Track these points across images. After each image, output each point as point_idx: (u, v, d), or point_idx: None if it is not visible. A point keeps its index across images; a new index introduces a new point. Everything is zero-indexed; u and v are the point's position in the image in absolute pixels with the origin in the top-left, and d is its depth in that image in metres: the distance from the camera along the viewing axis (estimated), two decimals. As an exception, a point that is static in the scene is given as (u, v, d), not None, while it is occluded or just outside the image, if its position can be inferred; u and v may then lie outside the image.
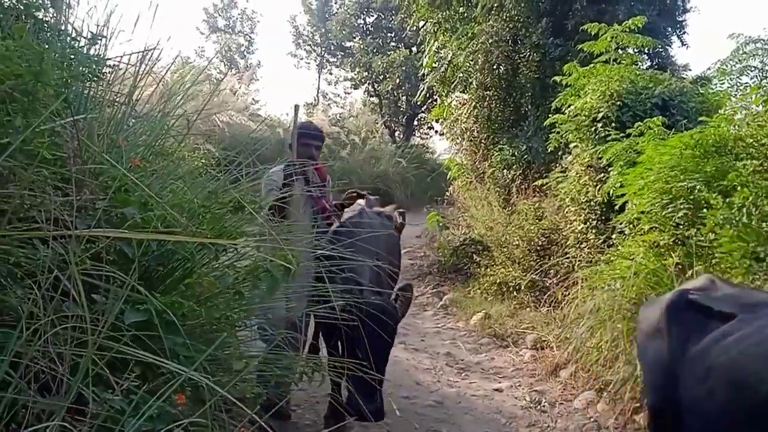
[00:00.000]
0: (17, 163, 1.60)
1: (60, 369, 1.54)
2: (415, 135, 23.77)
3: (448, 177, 12.24)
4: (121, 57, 2.93)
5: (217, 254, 2.29)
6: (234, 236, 2.20)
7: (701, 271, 3.92)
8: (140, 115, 3.47)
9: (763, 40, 4.74)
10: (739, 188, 3.52)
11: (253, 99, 19.07)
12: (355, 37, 24.66)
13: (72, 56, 2.38)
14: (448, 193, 12.84)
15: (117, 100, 2.96)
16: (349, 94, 26.68)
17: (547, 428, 4.61)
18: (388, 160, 18.44)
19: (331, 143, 17.54)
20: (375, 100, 23.41)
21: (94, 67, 2.44)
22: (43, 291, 1.62)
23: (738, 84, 5.01)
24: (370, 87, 23.51)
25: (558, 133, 7.13)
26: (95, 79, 2.51)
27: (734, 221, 3.31)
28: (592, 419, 4.64)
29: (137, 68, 3.04)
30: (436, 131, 21.35)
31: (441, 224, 10.68)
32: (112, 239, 1.77)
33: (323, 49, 26.84)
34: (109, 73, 2.92)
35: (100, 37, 2.57)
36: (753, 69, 4.76)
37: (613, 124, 6.09)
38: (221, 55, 28.72)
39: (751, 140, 3.55)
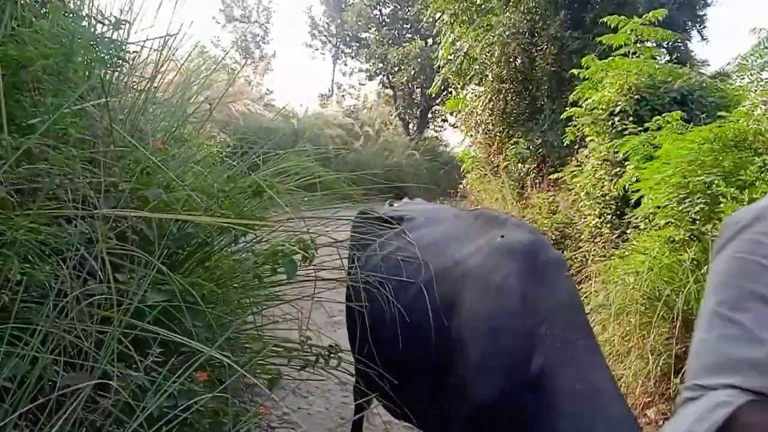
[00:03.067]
0: (47, 143, 1.63)
1: (85, 345, 1.57)
2: (428, 127, 23.75)
3: (461, 170, 12.22)
4: (144, 42, 2.96)
5: (236, 238, 2.31)
6: (252, 222, 2.22)
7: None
8: (160, 102, 3.51)
9: (785, 35, 4.68)
10: (756, 183, 3.50)
11: (267, 89, 19.15)
12: (370, 28, 24.63)
13: (96, 40, 2.41)
14: (461, 186, 12.83)
15: (139, 85, 3.00)
16: (363, 85, 26.68)
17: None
18: (401, 152, 18.47)
19: (344, 134, 17.58)
20: (389, 91, 23.41)
21: (117, 51, 2.47)
22: (70, 269, 1.66)
23: (759, 79, 4.96)
24: (384, 79, 23.50)
25: (574, 126, 7.09)
26: (119, 63, 2.54)
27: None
28: (602, 412, 4.64)
29: (159, 55, 3.08)
30: (451, 124, 21.32)
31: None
32: (136, 219, 1.80)
33: (338, 39, 26.85)
34: (131, 58, 2.95)
35: (123, 22, 2.60)
36: (774, 64, 4.71)
37: (631, 118, 6.05)
38: (237, 45, 28.81)
39: (771, 135, 3.53)
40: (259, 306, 3.02)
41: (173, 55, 3.34)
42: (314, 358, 2.24)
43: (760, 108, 4.09)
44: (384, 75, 23.42)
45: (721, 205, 3.63)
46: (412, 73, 21.32)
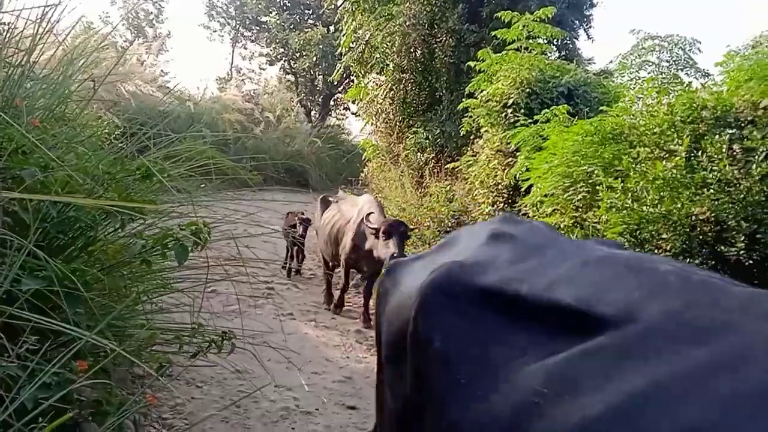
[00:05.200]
0: None
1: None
2: (331, 115, 23.64)
3: (363, 158, 12.29)
4: (18, 12, 2.75)
5: (123, 222, 2.21)
6: (141, 204, 2.13)
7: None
8: (39, 78, 3.27)
9: (660, 37, 5.08)
10: (630, 174, 3.79)
11: (162, 70, 18.27)
12: (271, 12, 24.08)
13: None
14: (362, 174, 12.91)
15: (14, 59, 2.78)
16: (264, 70, 26.06)
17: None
18: (303, 139, 18.28)
19: (244, 120, 17.15)
20: (291, 77, 23.06)
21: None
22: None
23: (637, 77, 5.35)
24: (285, 64, 23.11)
25: (470, 117, 7.33)
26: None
27: (620, 205, 3.57)
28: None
29: (36, 27, 2.87)
30: (353, 112, 21.33)
31: (354, 205, 10.74)
32: (9, 201, 1.67)
33: (238, 22, 26.02)
34: (4, 29, 2.73)
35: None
36: (650, 63, 5.10)
37: (522, 111, 6.34)
38: (128, 22, 27.23)
39: (644, 129, 3.81)
40: (150, 294, 2.91)
41: (54, 28, 3.12)
42: (207, 345, 2.18)
43: (636, 104, 4.42)
44: (285, 60, 23.02)
45: (600, 193, 3.90)
46: (314, 59, 21.10)
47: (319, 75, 22.22)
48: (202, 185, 3.84)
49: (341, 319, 6.83)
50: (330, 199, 7.71)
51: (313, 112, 22.82)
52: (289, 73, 23.10)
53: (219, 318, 4.53)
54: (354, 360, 5.56)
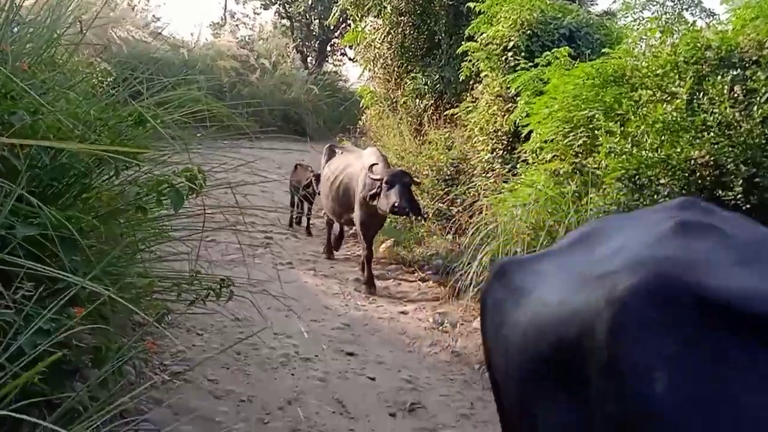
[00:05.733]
0: None
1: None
2: (328, 61, 23.20)
3: (361, 106, 12.12)
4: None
5: (117, 170, 2.18)
6: (135, 150, 2.09)
7: (595, 198, 4.17)
8: (25, 22, 3.18)
9: (665, -23, 4.93)
10: (631, 118, 3.73)
11: (154, 16, 17.80)
12: (265, -47, 23.32)
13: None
14: (360, 122, 12.76)
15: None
16: (258, 14, 25.35)
17: (447, 347, 4.87)
18: (299, 86, 17.99)
19: (239, 67, 16.85)
20: (286, 22, 22.51)
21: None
22: None
23: (640, 18, 5.21)
24: (280, 8, 22.51)
25: (470, 61, 7.18)
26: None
27: (619, 150, 3.53)
28: (490, 336, 4.94)
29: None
30: (350, 58, 20.91)
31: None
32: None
33: (231, -36, 25.23)
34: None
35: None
36: (655, 3, 4.96)
37: (523, 54, 6.20)
38: (117, -35, 26.38)
39: (646, 71, 3.74)
40: (148, 242, 2.91)
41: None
42: (205, 293, 2.19)
43: (639, 45, 4.32)
44: (280, 4, 22.40)
45: (600, 138, 3.85)
46: (310, 2, 20.57)
47: (315, 19, 21.70)
48: (198, 133, 3.80)
49: (340, 267, 6.88)
50: (336, 149, 7.56)
51: (309, 59, 22.39)
52: (284, 18, 22.54)
53: (218, 267, 4.56)
54: (353, 308, 5.63)
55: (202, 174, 2.14)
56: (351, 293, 6.06)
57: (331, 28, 19.08)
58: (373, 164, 6.26)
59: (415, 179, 6.51)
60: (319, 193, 7.46)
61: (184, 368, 3.85)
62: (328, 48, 22.96)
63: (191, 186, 2.07)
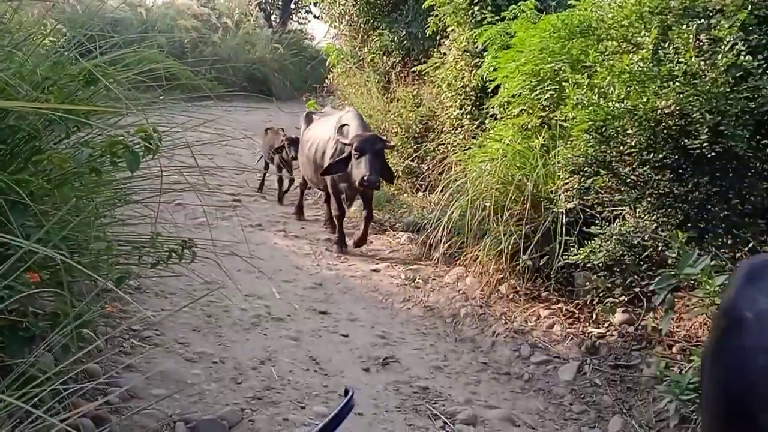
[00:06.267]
0: None
1: None
2: (292, 20, 22.66)
3: (327, 64, 11.90)
4: None
5: (68, 131, 2.09)
6: (86, 108, 2.01)
7: (563, 150, 4.19)
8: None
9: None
10: (597, 69, 3.72)
11: (109, -27, 17.08)
12: None
13: None
14: (327, 81, 12.55)
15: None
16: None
17: (419, 302, 4.92)
18: (264, 45, 17.58)
19: (200, 26, 16.37)
20: (248, -21, 21.82)
21: None
22: None
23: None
24: (242, -35, 21.78)
25: (436, 16, 7.07)
26: None
27: (586, 102, 3.52)
28: (461, 291, 5.00)
29: None
30: (315, 16, 20.44)
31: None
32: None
33: None
34: None
35: None
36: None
37: (489, 8, 6.13)
38: None
39: (612, 21, 3.71)
40: (108, 206, 2.83)
41: None
42: (167, 255, 2.14)
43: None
44: (241, -39, 21.73)
45: (567, 91, 3.84)
46: (272, -41, 19.98)
47: (277, -25, 21.11)
48: (160, 95, 3.69)
49: (311, 228, 6.85)
50: (314, 116, 7.15)
51: (273, 17, 21.84)
52: (246, -25, 21.84)
53: (184, 230, 4.49)
54: (324, 267, 5.62)
55: (158, 134, 2.06)
56: (322, 253, 6.05)
57: (295, -16, 18.58)
58: (343, 125, 5.81)
59: (389, 143, 5.98)
60: (293, 158, 7.16)
61: (154, 332, 3.82)
62: (292, 5, 22.40)
63: (147, 146, 1.99)
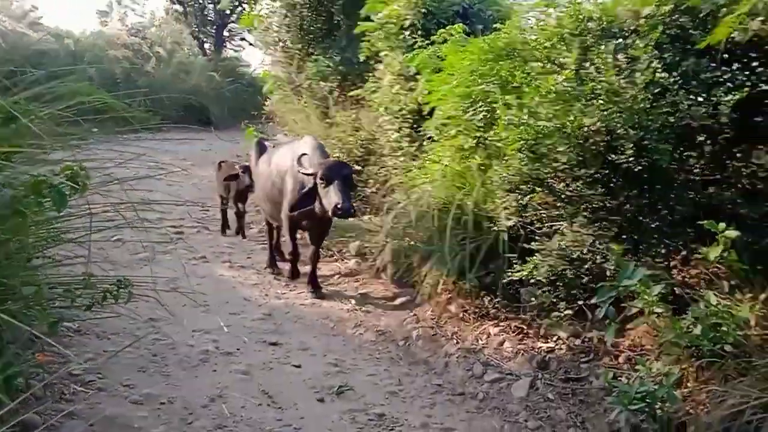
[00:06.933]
0: None
1: None
2: (227, 47, 22.53)
3: (264, 91, 11.87)
4: None
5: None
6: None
7: (499, 168, 4.31)
8: None
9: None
10: (525, 90, 3.87)
11: (33, 5, 16.59)
12: (150, -64, 22.21)
13: None
14: (266, 108, 12.50)
15: None
16: (147, 0, 24.30)
17: (371, 327, 4.92)
18: (199, 74, 17.41)
19: (132, 56, 16.07)
20: (179, 7, 21.61)
21: None
22: None
23: (530, -7, 5.39)
24: (171, -8, 21.58)
25: (368, 41, 7.18)
26: None
27: (517, 122, 3.65)
28: (411, 314, 5.03)
29: None
30: (250, 43, 20.41)
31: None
32: None
33: (113, -52, 23.83)
34: None
35: None
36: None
37: (420, 32, 6.29)
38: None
39: (535, 44, 3.88)
40: (40, 247, 2.74)
41: None
42: (101, 296, 2.08)
43: (528, 19, 4.45)
44: (171, -11, 21.50)
45: (498, 111, 3.97)
46: (202, -13, 19.87)
47: (209, 3, 20.99)
48: (93, 129, 3.60)
49: (257, 257, 6.76)
50: (266, 143, 6.68)
51: (207, 45, 21.66)
52: (176, 3, 21.63)
53: (124, 268, 4.39)
54: (273, 297, 5.56)
55: (85, 171, 2.01)
56: (270, 282, 5.98)
57: (227, 12, 18.51)
58: (302, 155, 5.28)
59: (354, 168, 5.55)
60: (248, 187, 6.77)
61: (96, 376, 3.68)
62: (226, 33, 22.28)
63: (72, 185, 1.93)
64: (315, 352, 4.41)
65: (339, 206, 4.84)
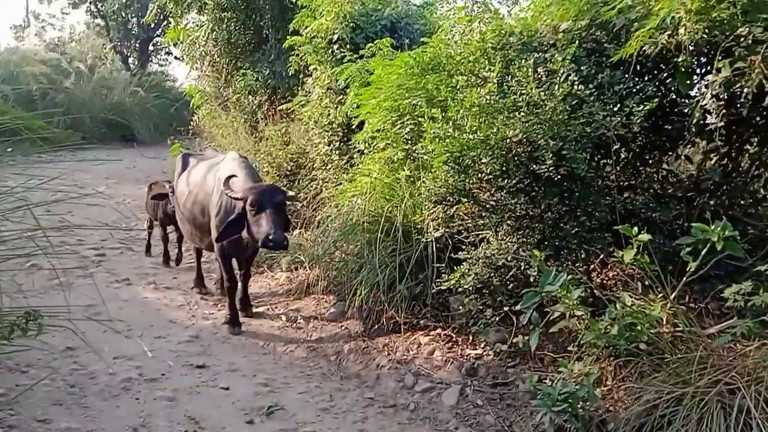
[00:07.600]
0: None
1: None
2: (152, 61, 22.00)
3: (191, 105, 11.62)
4: None
5: None
6: None
7: (427, 180, 4.35)
8: None
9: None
10: (450, 103, 3.93)
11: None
12: (67, -53, 21.45)
13: None
14: (193, 123, 12.23)
15: None
16: (67, 14, 23.44)
17: (302, 343, 4.83)
18: (122, 89, 16.88)
19: (50, 72, 15.40)
20: (100, 21, 20.93)
21: None
22: None
23: (454, 7, 5.49)
24: (92, 6, 20.87)
25: (297, 55, 7.15)
26: None
27: (442, 135, 3.70)
28: (343, 327, 4.98)
29: None
30: (176, 57, 19.96)
31: (187, 156, 10.17)
32: None
33: (28, -41, 22.90)
34: None
35: None
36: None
37: (348, 46, 6.30)
38: None
39: (460, 58, 3.95)
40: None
41: None
42: (8, 330, 1.94)
43: (453, 34, 4.54)
44: (91, 2, 20.77)
45: (425, 125, 4.00)
46: (124, 0, 19.26)
47: (132, 17, 20.41)
48: (8, 149, 3.41)
49: (183, 277, 6.55)
50: (191, 158, 6.07)
51: (131, 59, 21.04)
52: (97, 17, 20.93)
53: (42, 295, 4.15)
54: (200, 317, 5.39)
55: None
56: (197, 302, 5.80)
57: (152, 26, 18.05)
58: (230, 176, 4.82)
59: (288, 193, 4.95)
60: (172, 212, 6.26)
61: (8, 413, 3.45)
62: (151, 47, 21.73)
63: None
64: (244, 373, 4.29)
65: (271, 237, 4.39)
